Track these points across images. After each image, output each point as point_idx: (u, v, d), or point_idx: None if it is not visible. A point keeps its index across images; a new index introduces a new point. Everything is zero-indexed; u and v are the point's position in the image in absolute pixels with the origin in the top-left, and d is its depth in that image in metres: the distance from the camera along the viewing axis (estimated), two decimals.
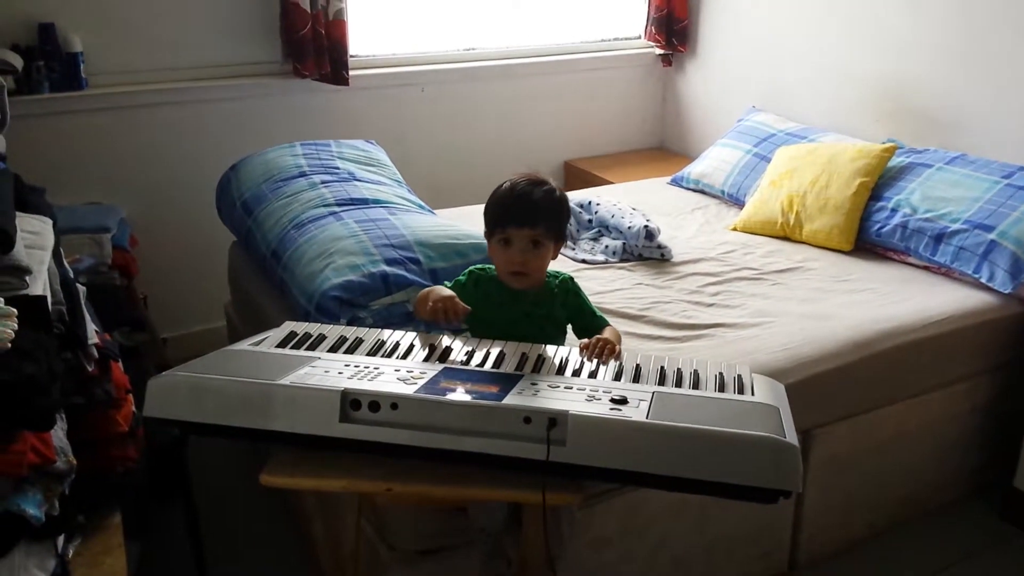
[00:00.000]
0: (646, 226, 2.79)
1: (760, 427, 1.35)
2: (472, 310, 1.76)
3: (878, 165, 2.93)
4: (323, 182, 2.52)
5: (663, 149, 4.34)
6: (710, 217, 3.23)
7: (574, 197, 3.15)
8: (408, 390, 1.44)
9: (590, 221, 3.01)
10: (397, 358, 1.64)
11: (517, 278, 1.80)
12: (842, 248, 2.87)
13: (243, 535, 2.41)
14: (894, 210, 2.82)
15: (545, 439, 1.36)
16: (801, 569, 2.34)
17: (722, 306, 2.47)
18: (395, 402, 1.42)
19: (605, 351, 1.67)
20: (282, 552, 2.36)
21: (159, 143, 3.19)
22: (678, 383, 1.57)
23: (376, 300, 2.10)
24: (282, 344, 1.70)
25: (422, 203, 2.62)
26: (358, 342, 1.71)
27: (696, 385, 1.56)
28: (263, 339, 1.73)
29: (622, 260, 2.78)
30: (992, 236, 2.56)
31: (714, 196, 3.43)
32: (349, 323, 2.07)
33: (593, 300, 2.47)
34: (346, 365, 1.56)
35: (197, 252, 3.25)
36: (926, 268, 2.72)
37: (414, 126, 3.63)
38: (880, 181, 2.92)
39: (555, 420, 1.37)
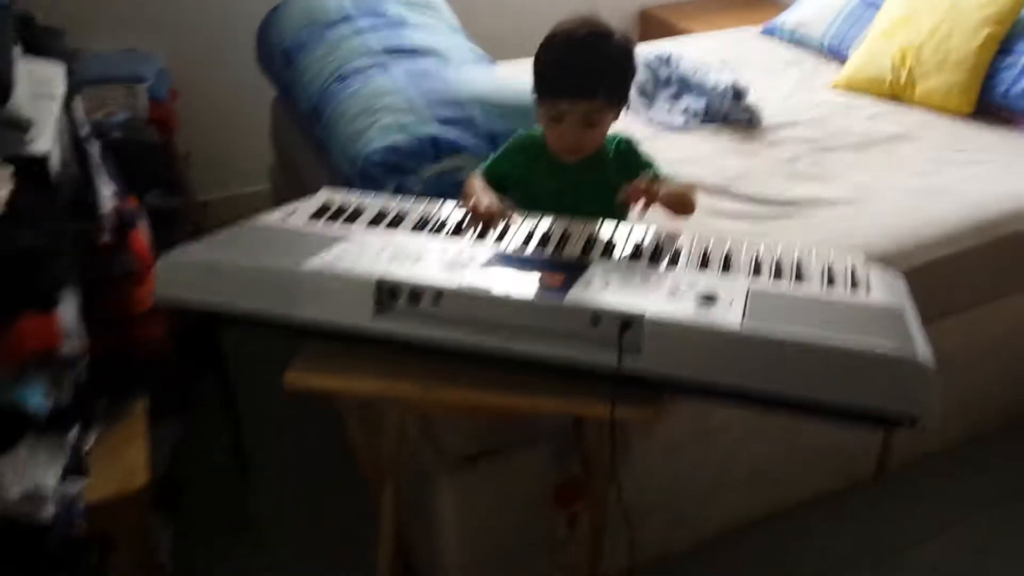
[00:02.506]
0: (734, 84, 2.45)
1: (883, 337, 1.10)
2: (519, 179, 1.54)
3: (1011, 12, 2.50)
4: (370, 27, 2.23)
5: None
6: (807, 74, 2.85)
7: (651, 50, 2.81)
8: (455, 280, 1.22)
9: (669, 78, 2.67)
10: (446, 236, 1.41)
11: (569, 152, 1.53)
12: (961, 111, 2.50)
13: (283, 426, 2.27)
14: None
15: (616, 344, 1.13)
16: (888, 477, 2.12)
17: (818, 178, 2.17)
18: (439, 292, 1.20)
19: (651, 192, 1.38)
20: (323, 450, 2.21)
21: None
22: (776, 275, 1.31)
23: (426, 166, 1.86)
24: (316, 216, 1.48)
25: (480, 52, 2.32)
26: (401, 216, 1.48)
27: (799, 278, 1.30)
28: (294, 210, 1.51)
29: (704, 123, 2.47)
30: None
31: (812, 49, 3.03)
32: (396, 191, 1.84)
33: (675, 166, 2.17)
34: (386, 245, 1.34)
35: (242, 106, 3.00)
36: None
37: None
38: (1011, 32, 2.50)
39: (629, 322, 1.13)
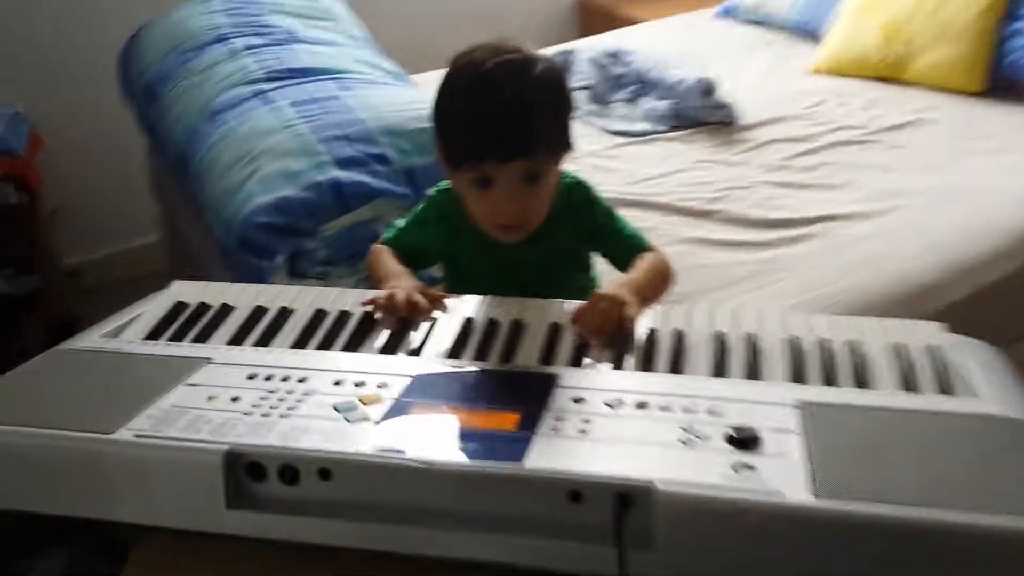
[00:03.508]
0: (700, 78, 2.04)
1: None
2: (442, 253, 1.17)
3: None
4: (248, 48, 1.78)
5: None
6: (779, 57, 2.45)
7: (596, 45, 2.39)
8: (351, 440, 0.78)
9: (622, 77, 2.25)
10: (340, 348, 0.98)
11: (508, 231, 1.10)
12: (970, 88, 2.12)
13: None
14: None
15: (614, 535, 0.70)
16: None
17: (823, 186, 1.77)
18: (326, 467, 0.76)
19: (604, 324, 0.97)
20: None
21: (56, 9, 2.41)
22: (829, 377, 0.89)
23: (329, 222, 1.42)
24: (158, 330, 1.03)
25: (393, 68, 1.88)
26: (280, 319, 1.04)
27: (862, 380, 0.88)
28: (131, 319, 1.06)
29: (672, 128, 2.05)
30: None
31: (777, 28, 2.63)
32: (291, 258, 1.40)
33: (642, 190, 1.78)
34: (250, 377, 0.89)
35: (120, 149, 2.49)
36: None
37: None
38: None
39: (629, 496, 0.70)
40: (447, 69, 1.09)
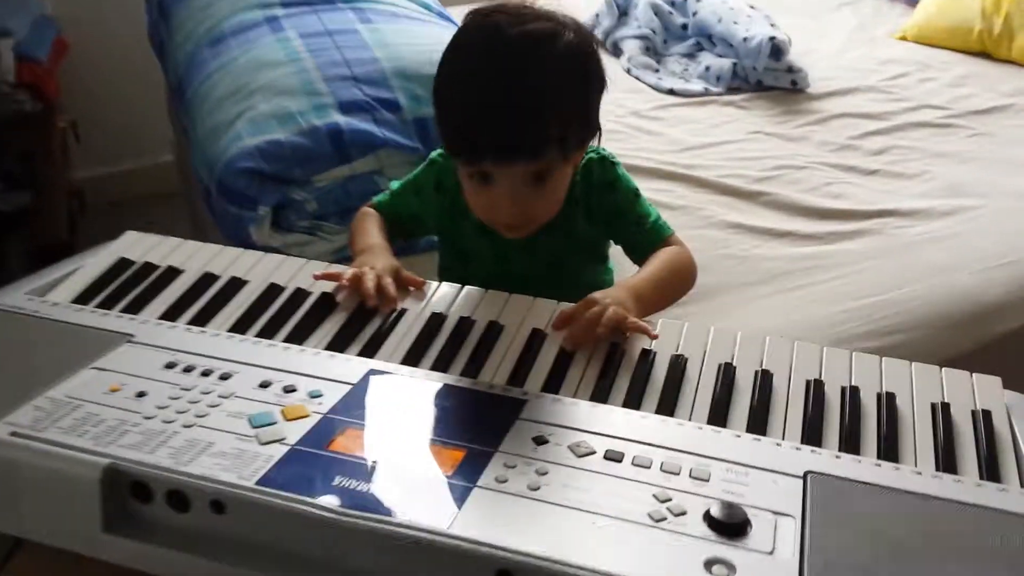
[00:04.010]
0: (772, 37, 1.82)
1: None
2: (438, 226, 1.03)
3: None
4: None
5: None
6: (865, 19, 2.21)
7: None
8: (255, 464, 0.65)
9: (684, 27, 2.04)
10: (283, 337, 0.84)
11: (509, 229, 0.94)
12: None
13: None
14: None
15: None
16: None
17: (890, 174, 1.56)
18: (218, 499, 0.63)
19: (588, 335, 0.83)
20: None
21: None
22: (850, 442, 0.73)
23: (323, 172, 1.28)
24: (90, 292, 0.91)
25: (433, 5, 1.71)
26: (228, 292, 0.91)
27: (890, 451, 0.72)
28: (66, 275, 0.94)
29: (731, 90, 1.84)
30: None
31: None
32: (277, 209, 1.27)
33: (683, 160, 1.59)
34: (168, 365, 0.77)
35: (142, 62, 2.37)
36: None
37: None
38: None
39: None
40: (460, 24, 0.93)
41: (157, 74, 2.19)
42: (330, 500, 0.62)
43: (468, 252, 1.04)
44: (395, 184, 1.10)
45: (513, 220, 0.91)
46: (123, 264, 0.96)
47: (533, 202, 0.89)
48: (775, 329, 1.21)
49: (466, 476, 0.65)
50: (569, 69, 0.88)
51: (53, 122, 2.17)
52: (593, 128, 0.93)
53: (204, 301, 0.89)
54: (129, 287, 0.91)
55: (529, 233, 0.94)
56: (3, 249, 1.59)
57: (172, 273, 0.94)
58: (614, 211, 1.01)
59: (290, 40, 1.41)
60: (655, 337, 0.83)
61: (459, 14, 1.81)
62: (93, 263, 0.96)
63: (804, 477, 0.66)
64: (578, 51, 0.89)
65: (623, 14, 2.10)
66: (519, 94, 0.85)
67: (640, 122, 1.70)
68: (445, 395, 0.76)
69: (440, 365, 0.81)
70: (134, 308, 0.88)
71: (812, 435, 0.73)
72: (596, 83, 0.92)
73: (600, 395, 0.77)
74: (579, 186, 0.99)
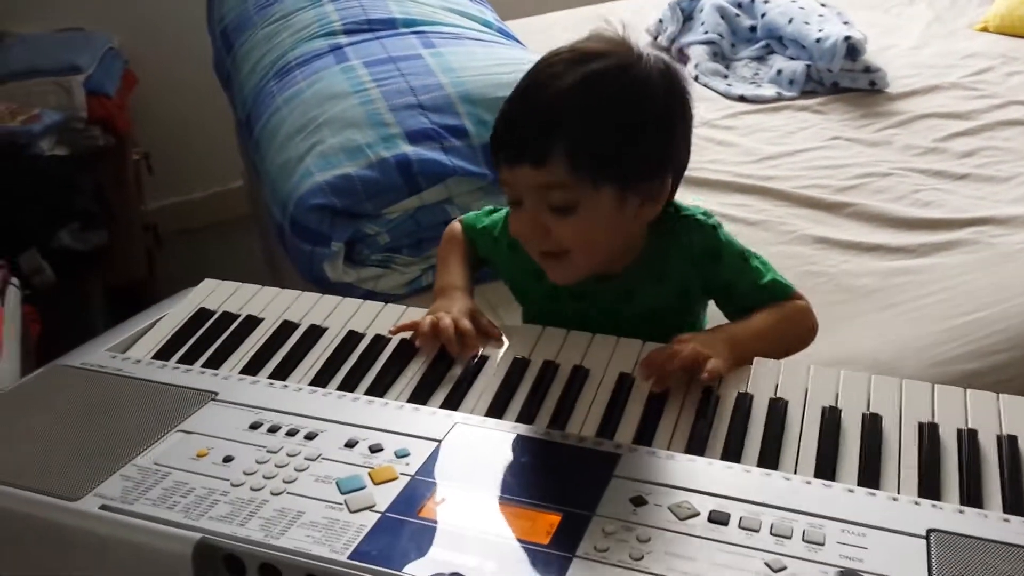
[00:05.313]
0: (848, 36, 1.75)
1: None
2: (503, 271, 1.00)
3: None
4: None
5: None
6: (942, 11, 2.11)
7: None
8: (347, 536, 0.63)
9: (753, 30, 1.98)
10: (364, 390, 0.82)
11: (550, 264, 0.89)
12: None
13: None
14: None
15: None
16: None
17: (982, 178, 1.49)
18: (311, 574, 0.62)
19: (672, 374, 0.80)
20: None
21: None
22: (970, 481, 0.68)
23: (394, 204, 1.26)
24: (171, 346, 0.90)
25: (495, 21, 1.68)
26: (307, 341, 0.90)
27: (1017, 499, 0.67)
28: (145, 329, 0.94)
29: (804, 94, 1.78)
30: None
31: None
32: (350, 243, 1.26)
33: (759, 171, 1.53)
34: (253, 426, 0.76)
35: (208, 87, 2.40)
36: None
37: None
38: None
39: None
40: None
41: (223, 100, 2.21)
42: (424, 574, 0.60)
43: (542, 311, 1.00)
44: (486, 210, 1.06)
45: (539, 244, 0.86)
46: (202, 315, 0.95)
47: (559, 231, 0.84)
48: (869, 352, 1.15)
49: (564, 545, 0.62)
50: (606, 96, 0.82)
51: (126, 155, 2.21)
52: (642, 176, 0.85)
53: (284, 352, 0.88)
54: (209, 340, 0.91)
55: (575, 277, 0.89)
56: (83, 289, 1.61)
57: (251, 322, 0.93)
58: (721, 285, 0.93)
59: (355, 69, 1.40)
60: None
61: (518, 28, 1.81)
62: (172, 314, 0.96)
63: (927, 536, 0.62)
64: (631, 86, 0.84)
65: (688, 19, 2.04)
66: (537, 100, 0.83)
67: (711, 132, 1.65)
68: (535, 451, 0.73)
69: (526, 416, 0.78)
70: (215, 362, 0.87)
71: (930, 487, 0.68)
72: (652, 126, 0.84)
73: (696, 446, 0.74)
74: (673, 255, 0.92)
